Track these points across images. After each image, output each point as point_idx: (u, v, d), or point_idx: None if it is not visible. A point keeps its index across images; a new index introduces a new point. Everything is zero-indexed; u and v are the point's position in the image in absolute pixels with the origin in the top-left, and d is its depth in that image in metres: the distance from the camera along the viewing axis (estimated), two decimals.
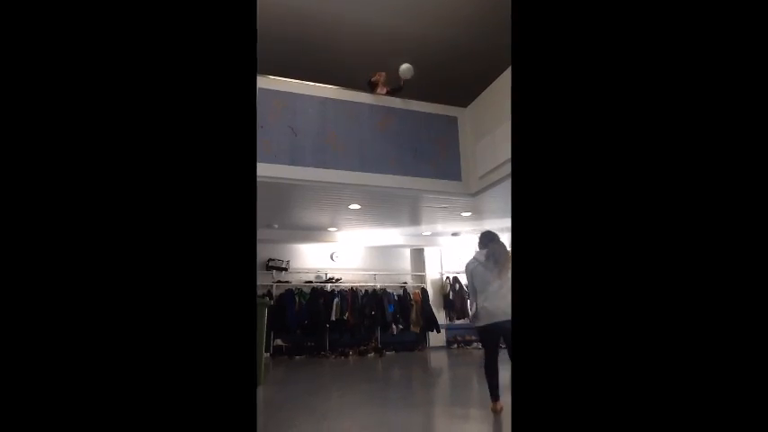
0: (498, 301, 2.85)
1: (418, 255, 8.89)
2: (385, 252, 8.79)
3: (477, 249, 3.14)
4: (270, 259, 7.92)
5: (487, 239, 3.11)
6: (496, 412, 2.86)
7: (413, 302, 8.31)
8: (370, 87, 5.54)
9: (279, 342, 7.50)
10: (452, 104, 5.80)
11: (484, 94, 5.47)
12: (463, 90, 6.01)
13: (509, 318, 2.80)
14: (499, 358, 3.01)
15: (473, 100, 5.68)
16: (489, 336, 2.95)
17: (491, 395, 2.92)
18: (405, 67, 5.35)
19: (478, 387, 2.92)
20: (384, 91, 5.54)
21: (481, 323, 2.93)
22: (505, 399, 3.47)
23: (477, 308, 2.96)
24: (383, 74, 5.61)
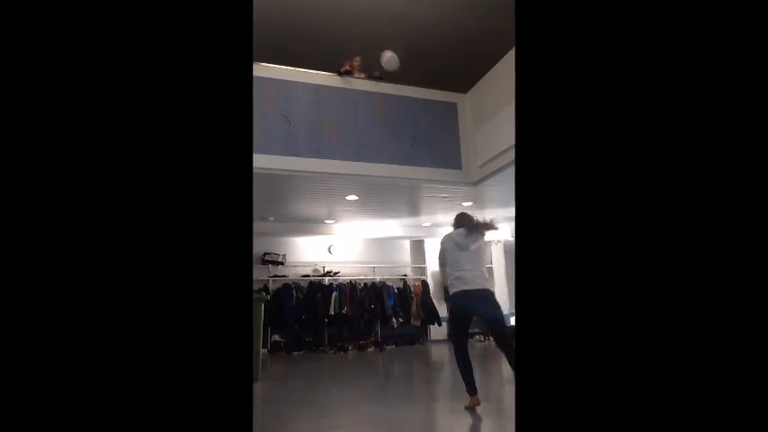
0: (473, 275, 2.96)
1: (418, 246, 8.91)
2: (384, 244, 8.80)
3: (453, 229, 3.25)
4: (266, 253, 7.93)
5: (463, 220, 3.25)
6: (472, 409, 2.78)
7: (413, 295, 8.35)
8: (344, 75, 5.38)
9: (276, 338, 7.54)
10: (452, 90, 5.76)
11: (484, 78, 5.44)
12: (463, 75, 5.97)
13: (484, 287, 2.96)
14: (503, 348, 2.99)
15: (473, 85, 5.64)
16: (462, 305, 2.95)
17: (468, 388, 2.86)
18: (388, 56, 5.08)
19: (481, 380, 2.93)
20: (362, 77, 5.42)
21: (456, 289, 2.96)
22: (509, 392, 3.50)
23: (450, 279, 3.03)
24: (358, 59, 5.48)
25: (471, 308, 2.95)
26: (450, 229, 3.32)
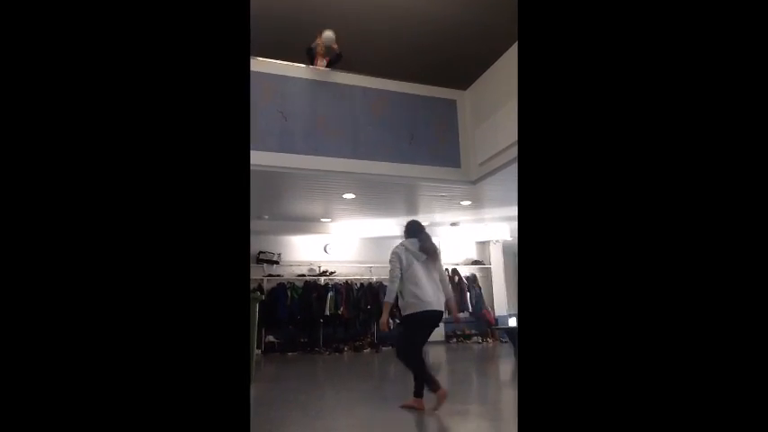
0: (432, 291, 2.97)
1: None
2: (381, 243, 8.78)
3: (405, 238, 3.20)
4: (260, 252, 7.91)
5: (415, 228, 3.21)
6: (442, 402, 2.82)
7: None
8: (309, 58, 5.28)
9: (270, 338, 7.52)
10: (451, 87, 5.76)
11: (485, 75, 5.44)
12: (462, 71, 5.97)
13: (441, 308, 3.01)
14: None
15: (473, 82, 5.65)
16: (421, 324, 2.96)
17: (431, 387, 2.86)
18: (327, 35, 5.14)
19: (478, 383, 2.93)
20: (324, 63, 5.33)
21: (415, 310, 2.92)
22: (506, 395, 3.51)
23: (406, 296, 2.96)
24: (322, 46, 5.33)
25: (429, 327, 3.02)
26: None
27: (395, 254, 3.08)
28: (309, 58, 5.30)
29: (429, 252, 3.06)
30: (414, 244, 3.08)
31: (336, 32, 5.25)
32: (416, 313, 2.91)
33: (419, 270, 2.99)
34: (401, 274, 2.99)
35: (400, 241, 3.20)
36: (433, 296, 2.96)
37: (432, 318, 2.95)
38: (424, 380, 2.86)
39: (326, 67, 5.33)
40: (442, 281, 3.13)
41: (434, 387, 2.83)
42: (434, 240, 3.28)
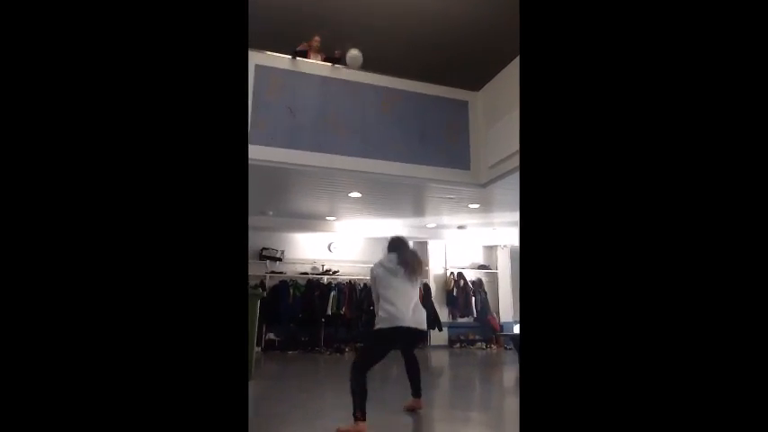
0: (406, 308, 2.87)
1: (421, 248, 8.89)
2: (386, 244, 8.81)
3: (385, 253, 3.14)
4: (263, 248, 7.95)
5: (397, 244, 3.16)
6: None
7: None
8: (295, 56, 5.15)
9: (271, 336, 7.56)
10: (463, 87, 5.76)
11: (498, 76, 5.43)
12: (476, 72, 5.96)
13: (418, 326, 2.90)
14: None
15: (486, 83, 5.64)
16: (388, 341, 2.84)
17: (361, 410, 2.56)
18: (353, 54, 5.03)
19: (480, 389, 2.93)
20: (319, 59, 5.27)
21: (385, 325, 2.81)
22: (509, 402, 3.51)
23: (380, 311, 2.89)
24: (317, 39, 5.29)
25: (399, 345, 2.96)
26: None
27: (371, 274, 3.08)
28: (296, 56, 5.18)
29: (407, 266, 2.99)
30: (391, 260, 3.03)
31: (348, 28, 5.23)
32: (385, 329, 2.81)
33: (396, 286, 2.92)
34: (378, 291, 2.96)
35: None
36: (407, 312, 2.85)
37: (403, 335, 2.83)
38: (354, 401, 2.61)
39: (323, 61, 5.27)
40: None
41: (359, 415, 2.56)
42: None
